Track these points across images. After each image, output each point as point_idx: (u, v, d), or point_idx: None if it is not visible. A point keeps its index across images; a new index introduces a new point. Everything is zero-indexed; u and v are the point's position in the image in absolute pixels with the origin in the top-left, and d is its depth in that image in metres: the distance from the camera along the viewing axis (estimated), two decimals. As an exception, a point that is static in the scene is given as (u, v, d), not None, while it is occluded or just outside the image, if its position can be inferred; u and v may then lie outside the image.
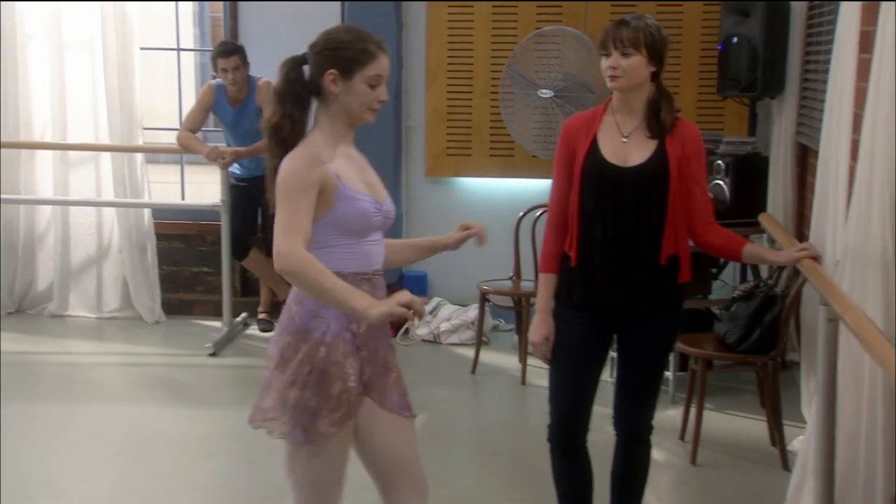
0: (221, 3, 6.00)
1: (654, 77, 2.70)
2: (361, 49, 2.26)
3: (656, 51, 2.65)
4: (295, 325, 2.28)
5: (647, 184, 2.66)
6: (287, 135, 2.28)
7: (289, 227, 2.18)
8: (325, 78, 2.26)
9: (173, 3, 5.99)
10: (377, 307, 2.14)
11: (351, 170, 2.31)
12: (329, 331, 2.26)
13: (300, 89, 2.29)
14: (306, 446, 2.29)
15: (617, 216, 2.67)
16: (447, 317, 5.42)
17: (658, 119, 2.68)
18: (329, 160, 2.25)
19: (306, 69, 2.31)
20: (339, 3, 5.59)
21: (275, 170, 2.27)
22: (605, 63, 2.67)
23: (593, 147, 2.71)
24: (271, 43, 5.68)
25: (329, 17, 5.61)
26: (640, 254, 2.69)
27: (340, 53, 2.26)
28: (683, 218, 2.71)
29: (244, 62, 5.23)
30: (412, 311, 2.12)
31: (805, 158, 4.72)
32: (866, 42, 3.09)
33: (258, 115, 5.26)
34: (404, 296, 2.13)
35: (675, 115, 2.71)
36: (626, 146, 2.70)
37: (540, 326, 2.79)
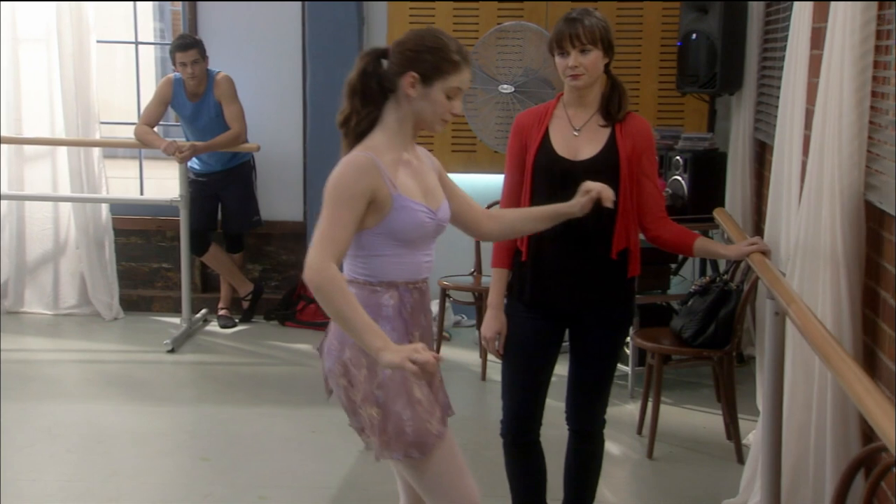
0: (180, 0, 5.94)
1: (605, 68, 2.72)
2: (447, 58, 2.19)
3: (610, 43, 2.67)
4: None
5: (598, 177, 2.67)
6: (356, 129, 2.21)
7: (325, 239, 2.11)
8: (404, 79, 2.18)
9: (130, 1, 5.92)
10: (390, 355, 2.04)
11: (408, 177, 2.23)
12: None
13: (374, 85, 2.21)
14: (426, 458, 2.23)
15: None
16: (408, 312, 5.40)
17: (619, 106, 2.71)
18: (386, 166, 2.18)
19: (385, 63, 2.22)
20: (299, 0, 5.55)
21: None
22: (563, 62, 2.66)
23: (545, 141, 2.72)
24: (231, 37, 5.64)
25: (289, 12, 5.58)
26: (592, 248, 2.71)
27: (425, 58, 2.18)
28: (634, 212, 2.73)
29: (203, 56, 5.18)
30: (422, 371, 2.05)
31: (763, 154, 4.76)
32: (817, 39, 3.12)
33: (217, 109, 5.26)
34: (421, 354, 2.03)
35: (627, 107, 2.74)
36: (578, 140, 2.72)
37: (491, 322, 2.80)
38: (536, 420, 2.85)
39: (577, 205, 2.49)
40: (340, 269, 2.19)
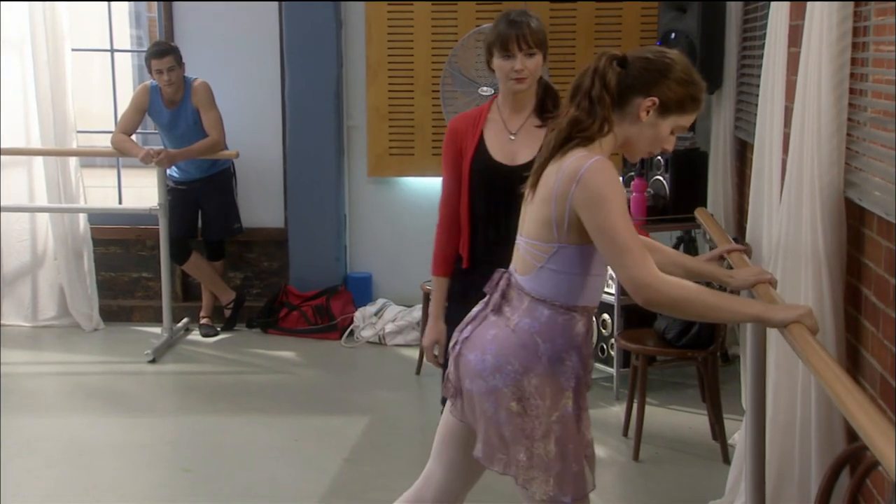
0: (156, 3, 5.89)
1: None
2: (694, 96, 2.06)
3: (547, 46, 2.66)
4: (543, 365, 2.08)
5: None
6: (594, 131, 2.03)
7: (634, 250, 1.94)
8: (643, 100, 2.03)
9: (106, 4, 5.86)
10: (787, 311, 1.99)
11: None
12: (573, 376, 2.10)
13: (612, 89, 2.04)
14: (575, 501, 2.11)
15: (508, 215, 2.62)
16: (392, 318, 5.38)
17: (554, 106, 2.69)
18: None
19: (619, 72, 2.06)
20: (276, 2, 5.51)
21: (541, 167, 2.06)
22: (507, 65, 2.62)
23: (480, 146, 2.69)
24: (208, 43, 5.60)
25: (266, 17, 5.54)
26: None
27: (674, 88, 2.03)
28: None
29: (179, 63, 5.13)
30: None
31: (744, 153, 4.76)
32: (795, 36, 3.11)
33: (195, 116, 5.21)
34: (808, 308, 1.98)
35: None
36: (514, 144, 2.69)
37: (430, 331, 2.77)
38: None
39: (738, 282, 2.38)
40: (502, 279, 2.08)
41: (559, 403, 2.08)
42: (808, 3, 2.76)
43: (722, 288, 2.47)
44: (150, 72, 5.17)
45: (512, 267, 2.18)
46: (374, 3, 5.51)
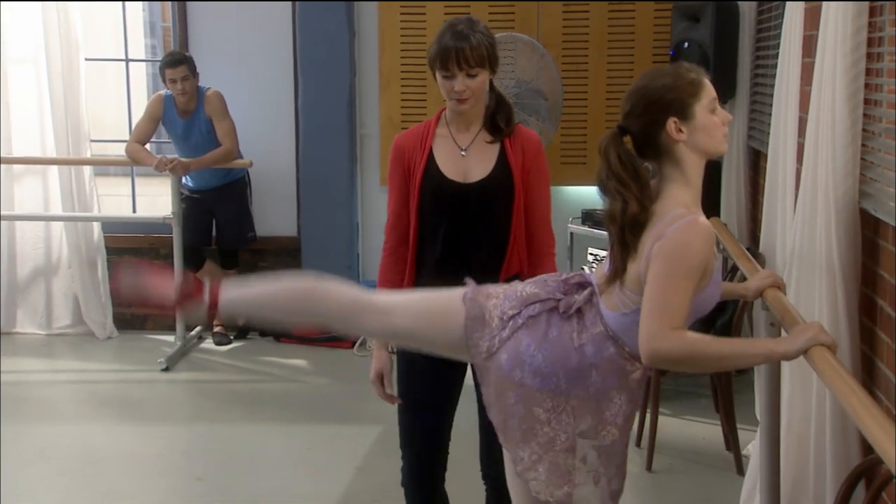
0: (170, 10, 5.91)
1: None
2: (688, 82, 2.03)
3: (495, 58, 2.45)
4: (588, 394, 2.05)
5: (492, 200, 2.49)
6: (644, 219, 1.99)
7: (658, 311, 1.90)
8: (667, 131, 2.01)
9: (120, 14, 5.89)
10: (800, 341, 1.94)
11: None
12: (620, 413, 2.07)
13: (634, 163, 2.02)
14: None
15: (458, 235, 2.50)
16: (404, 326, 5.37)
17: (507, 120, 2.51)
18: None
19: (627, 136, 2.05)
20: (289, 3, 5.55)
21: (622, 264, 2.01)
22: (447, 84, 2.41)
23: (430, 164, 2.50)
24: (222, 53, 5.62)
25: (280, 26, 5.57)
26: (485, 273, 2.45)
27: (669, 97, 2.01)
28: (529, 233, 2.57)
29: (193, 72, 5.16)
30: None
31: (757, 162, 4.74)
32: (809, 46, 3.10)
33: (208, 125, 5.24)
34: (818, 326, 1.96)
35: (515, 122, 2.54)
36: (466, 160, 2.50)
37: (374, 362, 2.59)
38: (443, 465, 2.71)
39: (751, 289, 2.37)
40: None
41: (599, 433, 2.07)
42: (822, 14, 2.75)
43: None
44: (164, 81, 5.20)
45: (597, 283, 2.11)
46: (387, 2, 5.50)
